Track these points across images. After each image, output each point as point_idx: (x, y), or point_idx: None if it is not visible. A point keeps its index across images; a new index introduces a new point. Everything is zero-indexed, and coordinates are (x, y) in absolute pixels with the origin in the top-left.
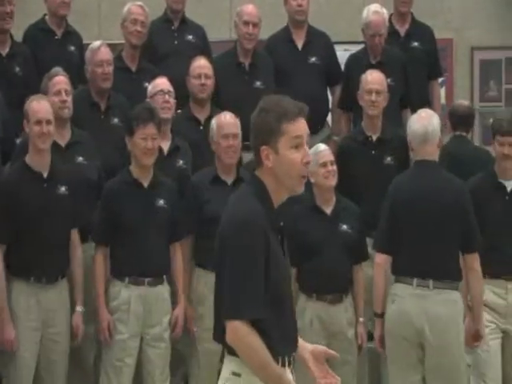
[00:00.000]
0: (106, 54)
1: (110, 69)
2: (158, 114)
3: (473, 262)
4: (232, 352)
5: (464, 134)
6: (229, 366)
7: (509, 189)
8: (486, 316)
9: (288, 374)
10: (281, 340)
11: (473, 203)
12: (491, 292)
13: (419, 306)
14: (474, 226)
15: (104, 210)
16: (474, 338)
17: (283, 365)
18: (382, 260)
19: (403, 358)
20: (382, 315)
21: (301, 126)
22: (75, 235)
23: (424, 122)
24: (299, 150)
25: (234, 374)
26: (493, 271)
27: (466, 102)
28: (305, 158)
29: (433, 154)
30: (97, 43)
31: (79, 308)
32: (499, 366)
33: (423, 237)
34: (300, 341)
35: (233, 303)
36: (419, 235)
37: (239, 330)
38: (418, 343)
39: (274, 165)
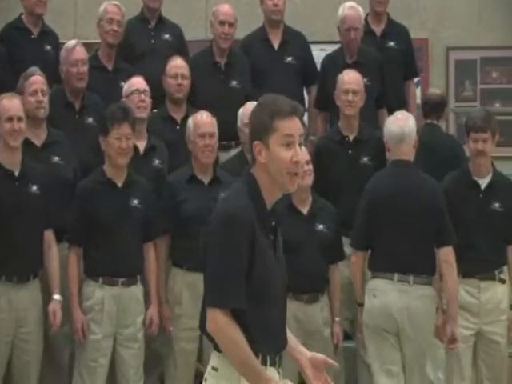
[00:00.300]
0: (80, 53)
1: (84, 68)
2: (132, 114)
3: (447, 255)
4: (218, 348)
5: (435, 122)
6: (211, 361)
7: (483, 187)
8: (459, 315)
9: (271, 373)
10: (264, 338)
11: (447, 202)
12: (464, 291)
13: (401, 301)
14: (448, 223)
15: (77, 209)
16: (450, 341)
17: (265, 363)
18: (357, 258)
19: (383, 349)
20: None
21: (292, 125)
22: (50, 236)
23: (400, 123)
24: (290, 149)
25: (213, 368)
26: (467, 270)
27: (438, 91)
28: (295, 156)
29: (408, 154)
30: (72, 42)
31: (57, 296)
32: (469, 366)
33: (401, 234)
34: (299, 346)
35: (214, 291)
36: (397, 232)
37: (220, 320)
38: (395, 333)
39: (266, 161)
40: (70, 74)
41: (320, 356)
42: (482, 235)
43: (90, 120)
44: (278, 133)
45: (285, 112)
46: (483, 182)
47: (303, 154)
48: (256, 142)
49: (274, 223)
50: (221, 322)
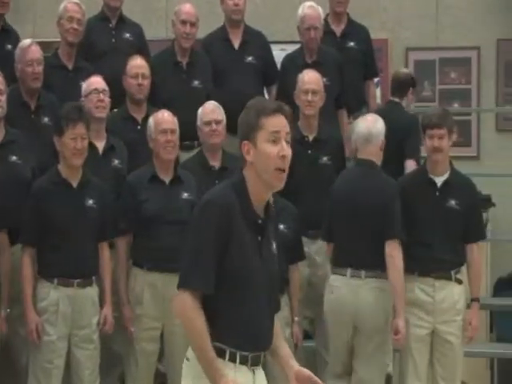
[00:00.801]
0: (35, 52)
1: (39, 68)
2: (86, 113)
3: (391, 250)
4: None
5: (397, 100)
6: (187, 351)
7: (439, 185)
8: (415, 314)
9: (242, 371)
10: (235, 334)
11: (404, 200)
12: (419, 289)
13: (353, 295)
14: (396, 219)
15: (31, 210)
16: (394, 332)
17: (233, 360)
18: (327, 247)
19: (339, 341)
20: None
21: (278, 122)
22: (3, 237)
23: (368, 124)
24: (276, 144)
25: (186, 358)
26: (422, 268)
27: (407, 70)
28: (281, 151)
29: (374, 154)
30: (27, 41)
31: (3, 312)
32: (424, 365)
33: (355, 231)
34: (290, 358)
35: (183, 273)
36: (352, 230)
37: (186, 302)
38: (352, 327)
39: (253, 159)
40: (25, 73)
41: (305, 371)
42: (438, 234)
43: (46, 120)
44: (265, 130)
45: (270, 109)
46: (439, 180)
47: (290, 151)
48: (244, 142)
49: (260, 221)
50: (186, 305)
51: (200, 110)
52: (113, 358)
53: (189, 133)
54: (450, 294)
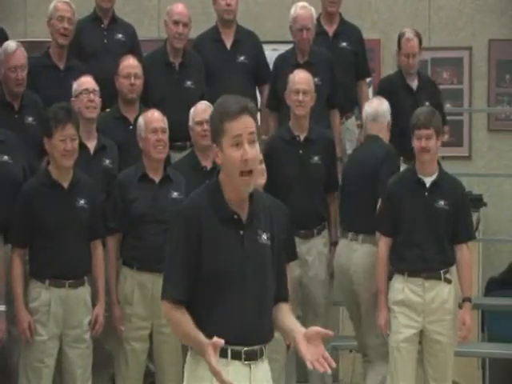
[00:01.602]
0: (20, 58)
1: (23, 74)
2: (75, 114)
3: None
4: None
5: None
6: None
7: (428, 185)
8: (404, 313)
9: (236, 366)
10: (222, 330)
11: (393, 200)
12: (409, 290)
13: (351, 257)
14: (383, 178)
15: (22, 211)
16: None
17: (225, 356)
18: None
19: (349, 311)
20: None
21: (240, 125)
22: None
23: (375, 105)
24: (239, 148)
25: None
26: (411, 269)
27: None
28: (244, 155)
29: (380, 131)
30: (12, 45)
31: (1, 307)
32: (413, 366)
33: (355, 198)
34: (296, 327)
35: (162, 286)
36: (353, 197)
37: (165, 309)
38: (352, 289)
39: (222, 163)
40: (9, 78)
41: (313, 329)
42: (427, 234)
43: (30, 119)
44: (228, 134)
45: (232, 113)
46: (428, 181)
47: (254, 151)
48: (213, 146)
49: (236, 217)
50: (165, 310)
51: (192, 110)
52: (104, 359)
53: (181, 133)
54: (440, 293)
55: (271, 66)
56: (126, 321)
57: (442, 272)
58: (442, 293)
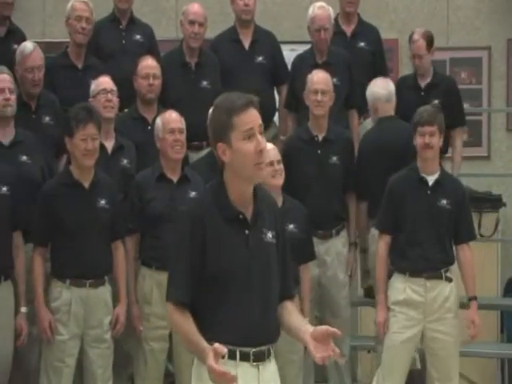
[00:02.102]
0: (37, 59)
1: (40, 75)
2: (97, 114)
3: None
4: None
5: None
6: None
7: (430, 184)
8: (405, 313)
9: (245, 368)
10: (228, 331)
11: (395, 198)
12: (410, 290)
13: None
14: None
15: (43, 211)
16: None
17: (234, 357)
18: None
19: None
20: None
21: (250, 117)
22: (18, 237)
23: (385, 85)
24: (252, 140)
25: (193, 361)
26: (413, 268)
27: None
28: (258, 146)
29: (392, 111)
30: (29, 47)
31: (23, 309)
32: (405, 368)
33: (382, 175)
34: (304, 326)
35: (166, 287)
36: (381, 174)
37: (169, 311)
38: None
39: (230, 159)
40: (26, 79)
41: (321, 328)
42: (429, 233)
43: (47, 119)
44: (238, 128)
45: (240, 106)
46: (431, 179)
47: (265, 142)
48: (219, 144)
49: (241, 217)
50: (169, 312)
51: (211, 111)
52: (123, 358)
53: (198, 133)
54: (441, 292)
55: (289, 66)
56: (144, 320)
57: (443, 271)
58: (444, 292)
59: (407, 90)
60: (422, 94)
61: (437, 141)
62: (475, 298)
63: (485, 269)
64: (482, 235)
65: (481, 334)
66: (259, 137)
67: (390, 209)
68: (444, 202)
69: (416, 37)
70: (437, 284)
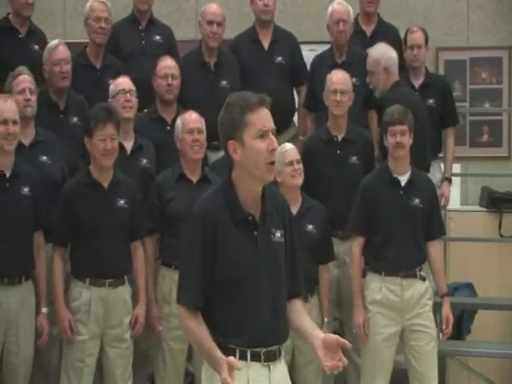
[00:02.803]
0: (63, 52)
1: (67, 67)
2: (116, 114)
3: None
4: None
5: None
6: None
7: (403, 183)
8: (382, 313)
9: (256, 368)
10: (239, 332)
11: (369, 199)
12: (386, 289)
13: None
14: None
15: (62, 211)
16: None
17: (244, 358)
18: None
19: None
20: None
21: (263, 116)
22: (39, 237)
23: (390, 51)
24: (264, 139)
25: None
26: (389, 268)
27: None
28: (270, 145)
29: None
30: (54, 42)
31: (43, 309)
32: (390, 365)
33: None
34: (314, 330)
35: (177, 290)
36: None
37: (180, 314)
38: None
39: (241, 157)
40: (53, 73)
41: (332, 336)
42: (404, 232)
43: (75, 119)
44: (251, 126)
45: (254, 105)
46: (403, 179)
47: (277, 142)
48: (230, 142)
49: (250, 218)
50: (181, 316)
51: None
52: (142, 358)
53: (216, 133)
54: (417, 290)
55: (308, 67)
56: (163, 320)
57: (417, 270)
58: (419, 289)
59: None
60: (417, 93)
61: (407, 140)
62: (447, 295)
63: (505, 269)
64: (502, 235)
65: (504, 335)
66: (271, 136)
67: (363, 210)
68: (417, 201)
69: (414, 29)
70: (412, 283)
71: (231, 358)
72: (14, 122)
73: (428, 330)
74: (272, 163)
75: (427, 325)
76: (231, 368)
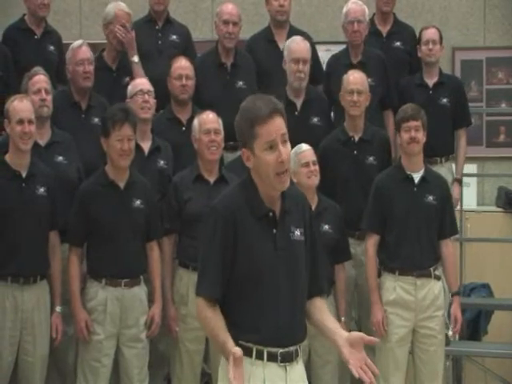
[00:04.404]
0: (86, 52)
1: (90, 68)
2: (133, 115)
3: None
4: None
5: None
6: None
7: (416, 180)
8: (397, 314)
9: (272, 368)
10: (256, 331)
11: (381, 197)
12: (400, 288)
13: None
14: None
15: (79, 212)
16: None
17: (261, 358)
18: None
19: None
20: None
21: (272, 128)
22: (55, 237)
23: None
24: (273, 151)
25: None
26: (403, 267)
27: None
28: (279, 157)
29: None
30: (78, 42)
31: (58, 308)
32: (404, 365)
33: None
34: (337, 329)
35: (197, 282)
36: None
37: (199, 305)
38: None
39: (253, 166)
40: (76, 73)
41: (357, 334)
42: (418, 230)
43: (97, 120)
44: (260, 139)
45: (263, 116)
46: (416, 176)
47: (288, 150)
48: (243, 150)
49: (271, 214)
50: (199, 307)
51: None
52: (158, 359)
53: (233, 133)
54: (431, 290)
55: (324, 67)
56: (180, 321)
57: (432, 269)
58: (434, 290)
59: (415, 89)
60: (431, 92)
61: (421, 136)
62: (458, 294)
63: None
64: None
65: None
66: (281, 147)
67: (377, 208)
68: (430, 198)
69: (429, 26)
70: (426, 282)
71: (234, 349)
72: (30, 122)
73: (438, 336)
74: (282, 173)
75: (438, 330)
76: (237, 360)
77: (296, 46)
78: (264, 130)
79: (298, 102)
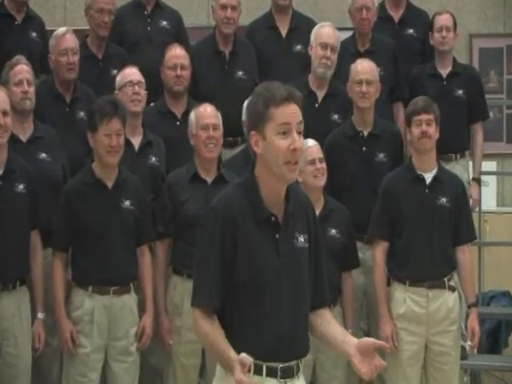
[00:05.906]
0: (71, 41)
1: (75, 58)
2: (122, 108)
3: None
4: None
5: None
6: None
7: (428, 181)
8: (407, 329)
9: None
10: (253, 343)
11: (390, 200)
12: (410, 300)
13: None
14: None
15: (63, 213)
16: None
17: (260, 373)
18: None
19: None
20: None
21: (288, 112)
22: (36, 237)
23: None
24: (287, 137)
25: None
26: (414, 276)
27: None
28: (292, 144)
29: None
30: (62, 29)
31: (40, 315)
32: (417, 381)
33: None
34: (346, 337)
35: (192, 290)
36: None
37: (196, 318)
38: None
39: (262, 151)
40: (59, 64)
41: (367, 340)
42: (430, 235)
43: (82, 114)
44: (274, 121)
45: (280, 98)
46: (428, 177)
47: (302, 142)
48: (252, 133)
49: (273, 219)
50: (195, 317)
51: (246, 103)
52: (150, 373)
53: (232, 128)
54: (444, 303)
55: None
56: (174, 333)
57: (446, 279)
58: (447, 302)
59: (428, 79)
60: (444, 83)
61: (434, 131)
62: (475, 305)
63: None
64: None
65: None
66: (295, 134)
67: (385, 212)
68: (443, 200)
69: (442, 11)
70: (440, 294)
71: (242, 355)
72: (5, 113)
73: (452, 353)
74: (292, 163)
75: (452, 346)
76: (244, 366)
77: (325, 30)
78: (280, 112)
79: (320, 94)
